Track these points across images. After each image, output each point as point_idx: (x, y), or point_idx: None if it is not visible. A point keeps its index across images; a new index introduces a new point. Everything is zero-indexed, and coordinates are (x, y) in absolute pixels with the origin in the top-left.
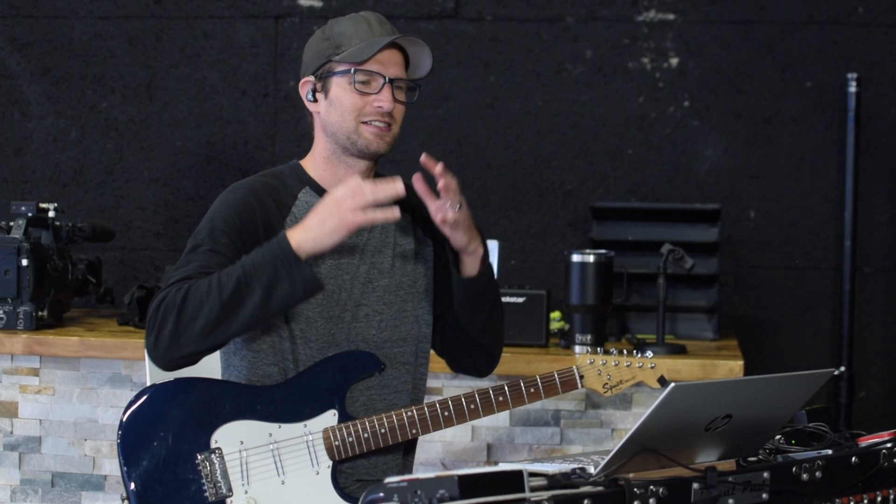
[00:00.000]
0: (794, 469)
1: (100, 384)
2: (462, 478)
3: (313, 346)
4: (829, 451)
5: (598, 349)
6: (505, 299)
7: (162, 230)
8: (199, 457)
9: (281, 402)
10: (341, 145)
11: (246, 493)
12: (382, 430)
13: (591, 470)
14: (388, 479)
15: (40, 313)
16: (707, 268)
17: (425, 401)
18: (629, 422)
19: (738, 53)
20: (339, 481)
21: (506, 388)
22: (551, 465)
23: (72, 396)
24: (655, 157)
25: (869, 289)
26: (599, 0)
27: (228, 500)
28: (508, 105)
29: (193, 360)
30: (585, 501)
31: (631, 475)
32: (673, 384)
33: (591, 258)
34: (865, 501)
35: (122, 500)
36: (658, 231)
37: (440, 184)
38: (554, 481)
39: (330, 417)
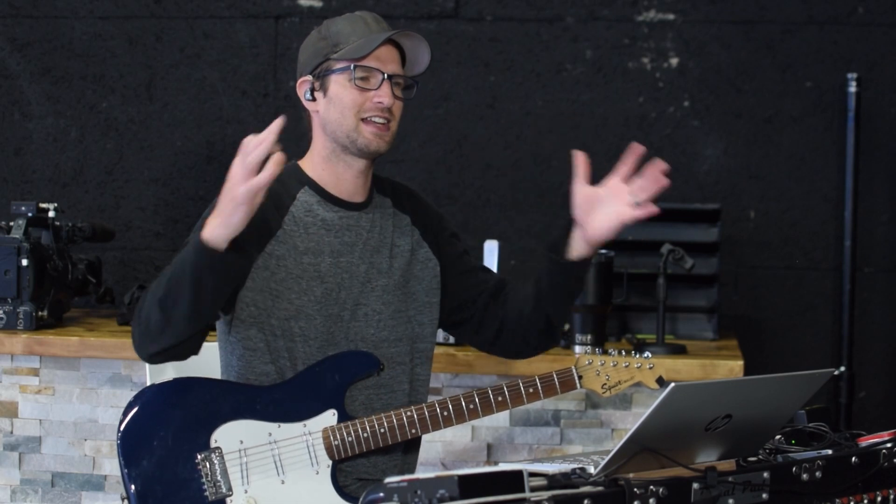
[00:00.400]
0: (794, 469)
1: (100, 384)
2: (462, 478)
3: (312, 343)
4: (829, 451)
5: (598, 350)
6: None
7: (162, 230)
8: (198, 456)
9: (280, 402)
10: (340, 144)
11: (246, 492)
12: (382, 430)
13: (591, 470)
14: (388, 479)
15: (40, 313)
16: (707, 268)
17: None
18: (629, 422)
19: (738, 53)
20: (339, 481)
21: (505, 388)
22: (551, 465)
23: (72, 396)
24: (655, 157)
25: (869, 289)
26: (599, 0)
27: (228, 500)
28: (508, 105)
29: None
30: (585, 501)
31: (631, 475)
32: (673, 384)
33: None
34: (865, 501)
35: (122, 500)
36: (658, 231)
37: (656, 177)
38: (554, 481)
39: (329, 417)
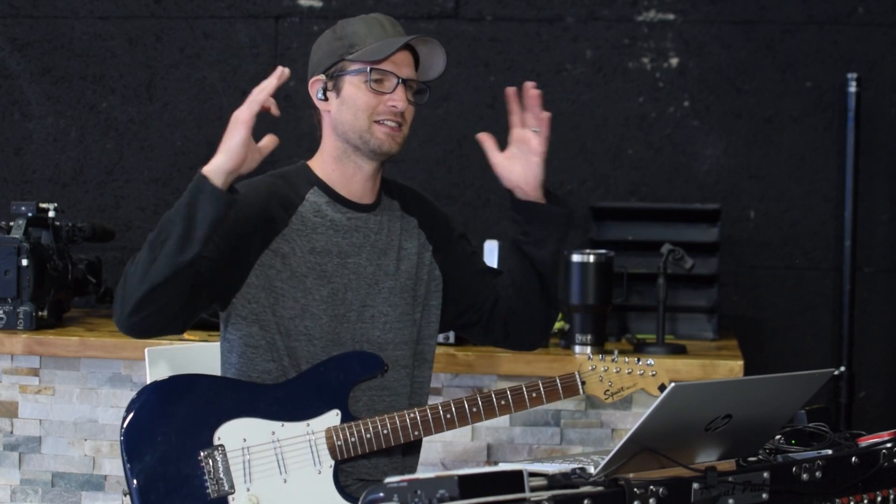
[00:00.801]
0: (794, 469)
1: (100, 384)
2: (462, 478)
3: (317, 343)
4: (829, 451)
5: (601, 356)
6: None
7: None
8: (201, 454)
9: (284, 401)
10: (352, 144)
11: (248, 490)
12: (385, 431)
13: (591, 470)
14: (388, 479)
15: (40, 313)
16: (707, 268)
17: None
18: (629, 422)
19: (738, 53)
20: (341, 481)
21: (508, 392)
22: (551, 465)
23: (72, 396)
24: (655, 157)
25: (869, 289)
26: (599, 0)
27: (230, 498)
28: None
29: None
30: (585, 501)
31: (631, 475)
32: (673, 384)
33: (591, 258)
34: (865, 501)
35: (125, 496)
36: (658, 231)
37: (532, 94)
38: (554, 481)
39: (333, 417)
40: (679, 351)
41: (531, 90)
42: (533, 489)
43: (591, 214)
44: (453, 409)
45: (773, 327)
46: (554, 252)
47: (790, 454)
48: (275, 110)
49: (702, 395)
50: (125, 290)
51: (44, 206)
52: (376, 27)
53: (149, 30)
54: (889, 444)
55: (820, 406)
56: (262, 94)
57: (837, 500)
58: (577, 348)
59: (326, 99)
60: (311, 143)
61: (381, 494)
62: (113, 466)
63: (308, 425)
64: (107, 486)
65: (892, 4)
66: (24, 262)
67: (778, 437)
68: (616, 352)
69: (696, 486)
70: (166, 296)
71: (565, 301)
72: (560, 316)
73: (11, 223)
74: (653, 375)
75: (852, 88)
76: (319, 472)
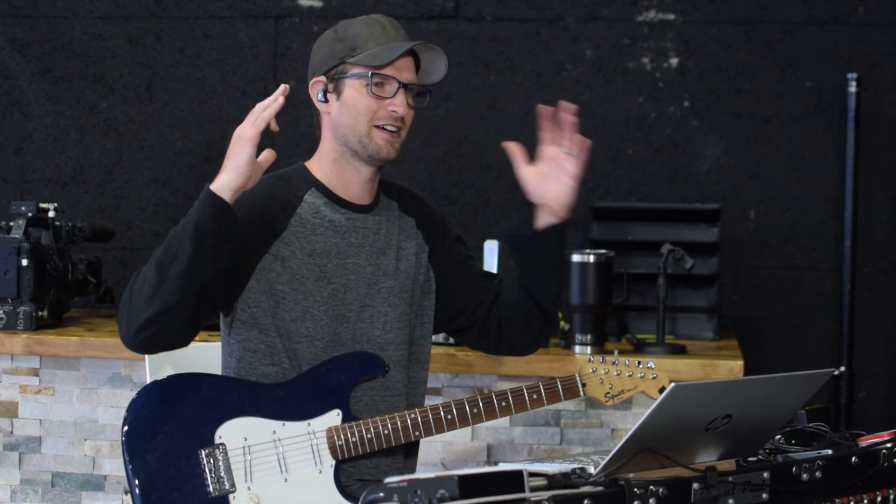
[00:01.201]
0: (794, 469)
1: (100, 384)
2: (462, 478)
3: (318, 344)
4: (829, 451)
5: (601, 358)
6: None
7: (162, 230)
8: (202, 452)
9: (285, 401)
10: (351, 148)
11: (249, 489)
12: (385, 432)
13: (591, 470)
14: (388, 479)
15: (40, 313)
16: (707, 268)
17: (427, 402)
18: (629, 422)
19: (738, 53)
20: (342, 481)
21: (508, 393)
22: (551, 465)
23: (72, 396)
24: (655, 157)
25: (869, 289)
26: (599, 0)
27: (231, 496)
28: (508, 105)
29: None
30: (585, 501)
31: (631, 475)
32: (673, 384)
33: (591, 258)
34: (865, 501)
35: (126, 494)
36: (658, 231)
37: (568, 119)
38: (554, 481)
39: (334, 417)
40: (679, 351)
41: (568, 115)
42: (533, 489)
43: (591, 214)
44: (454, 409)
45: (773, 327)
46: (559, 283)
47: (790, 454)
48: (274, 126)
49: (702, 395)
50: (131, 307)
51: (44, 206)
52: (378, 30)
53: (149, 30)
54: (889, 444)
55: (820, 406)
56: (268, 111)
57: (837, 500)
58: (577, 348)
59: (327, 101)
60: (311, 143)
61: (381, 494)
62: (113, 466)
63: (309, 425)
64: (107, 486)
65: (892, 4)
66: (24, 262)
67: (778, 437)
68: (616, 352)
69: (696, 486)
70: (175, 316)
71: (565, 301)
72: (560, 316)
73: (11, 223)
74: (653, 378)
75: (852, 88)
76: (320, 472)
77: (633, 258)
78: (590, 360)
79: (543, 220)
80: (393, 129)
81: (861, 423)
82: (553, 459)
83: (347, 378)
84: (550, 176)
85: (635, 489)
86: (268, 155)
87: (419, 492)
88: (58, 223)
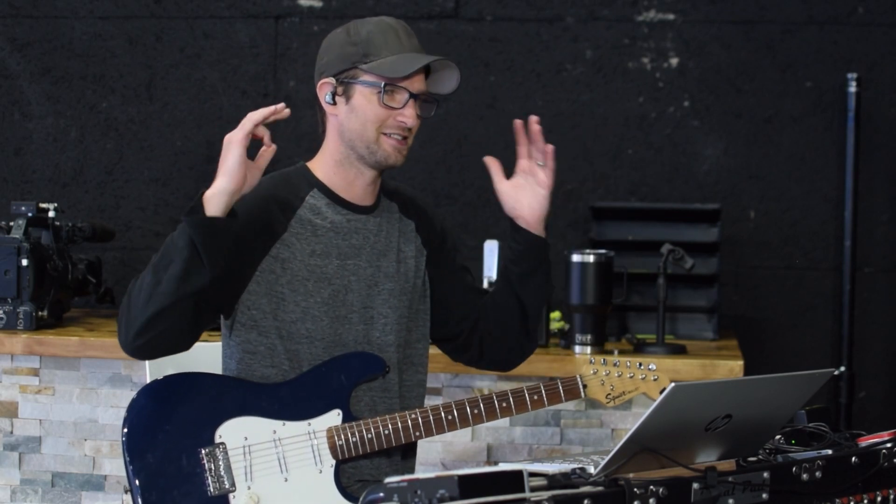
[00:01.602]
0: (794, 469)
1: (100, 384)
2: (462, 478)
3: (318, 345)
4: (829, 451)
5: (602, 359)
6: None
7: (162, 230)
8: (203, 452)
9: (286, 400)
10: (357, 153)
11: (249, 488)
12: (386, 432)
13: (591, 470)
14: (388, 479)
15: (40, 313)
16: (707, 268)
17: (427, 403)
18: (629, 422)
19: (738, 53)
20: (342, 481)
21: (509, 395)
22: (551, 465)
23: (72, 396)
24: (655, 157)
25: (869, 289)
26: (599, 0)
27: (231, 496)
28: (508, 105)
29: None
30: (585, 501)
31: (631, 475)
32: (673, 384)
33: (591, 258)
34: (865, 501)
35: (126, 493)
36: (658, 231)
37: (535, 129)
38: (554, 481)
39: (334, 417)
40: (679, 351)
41: (534, 125)
42: (533, 489)
43: (591, 214)
44: (454, 410)
45: (773, 327)
46: (541, 286)
47: (790, 454)
48: (267, 141)
49: (702, 395)
50: (129, 312)
51: (44, 206)
52: (392, 37)
53: (149, 30)
54: (889, 444)
55: (820, 406)
56: (256, 114)
57: (837, 500)
58: (577, 348)
59: (335, 103)
60: (311, 143)
61: (381, 494)
62: (113, 466)
63: (309, 425)
64: (107, 486)
65: (892, 4)
66: (24, 262)
67: (778, 437)
68: (616, 352)
69: (696, 486)
70: (171, 319)
71: (565, 301)
72: (560, 316)
73: (11, 223)
74: (654, 380)
75: (852, 88)
76: (320, 472)
77: (633, 258)
78: (591, 362)
79: (525, 230)
80: (400, 137)
81: (861, 423)
82: (553, 459)
83: (348, 378)
84: (525, 188)
85: (635, 489)
86: (266, 153)
87: (419, 492)
88: (58, 223)
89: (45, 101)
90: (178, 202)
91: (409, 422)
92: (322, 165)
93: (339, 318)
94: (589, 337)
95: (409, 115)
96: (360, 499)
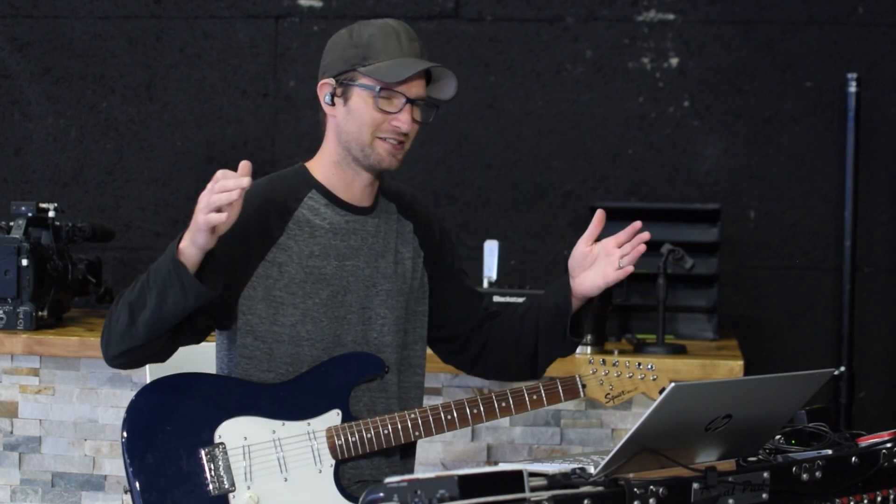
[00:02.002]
0: (794, 469)
1: (100, 384)
2: (462, 478)
3: (318, 346)
4: (829, 451)
5: (602, 359)
6: (505, 299)
7: (162, 230)
8: (202, 451)
9: (285, 400)
10: (353, 155)
11: (248, 488)
12: (385, 432)
13: (591, 470)
14: (388, 479)
15: (40, 313)
16: (707, 268)
17: (426, 403)
18: (629, 422)
19: (738, 53)
20: (342, 482)
21: (509, 394)
22: (551, 465)
23: (72, 396)
24: (655, 157)
25: (869, 289)
26: (599, 0)
27: (231, 496)
28: (508, 105)
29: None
30: (585, 501)
31: (631, 475)
32: (673, 384)
33: None
34: (865, 501)
35: (125, 493)
36: (658, 231)
37: (639, 236)
38: (554, 481)
39: (334, 417)
40: (679, 351)
41: (642, 243)
42: (533, 489)
43: (590, 214)
44: (454, 410)
45: (773, 327)
46: (559, 347)
47: (790, 454)
48: (218, 217)
49: (702, 395)
50: (109, 336)
51: (44, 206)
52: (392, 41)
53: (149, 30)
54: (889, 444)
55: (820, 406)
56: (220, 199)
57: (837, 500)
58: (577, 348)
59: (334, 104)
60: (311, 143)
61: (381, 494)
62: (113, 466)
63: (309, 424)
64: (107, 486)
65: (892, 4)
66: (24, 262)
67: (778, 437)
68: (616, 352)
69: (696, 486)
70: (146, 351)
71: None
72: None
73: (11, 223)
74: (654, 380)
75: (852, 88)
76: (320, 472)
77: None
78: (590, 361)
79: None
80: (395, 141)
81: (861, 423)
82: (553, 459)
83: (347, 378)
84: (596, 264)
85: (635, 489)
86: (242, 172)
87: (419, 492)
88: (58, 223)
89: (45, 101)
90: (178, 202)
91: (409, 422)
92: (321, 166)
93: (339, 318)
94: (589, 337)
95: (404, 121)
96: (360, 499)
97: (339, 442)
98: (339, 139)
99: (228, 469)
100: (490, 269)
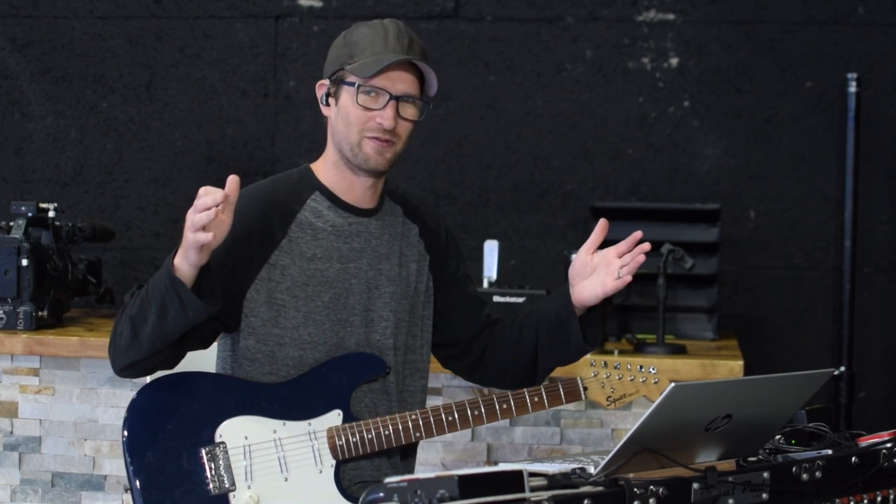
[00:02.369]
0: (794, 469)
1: (100, 384)
2: (462, 478)
3: (321, 349)
4: (829, 451)
5: (603, 362)
6: (505, 299)
7: (162, 230)
8: (203, 451)
9: (286, 400)
10: (345, 155)
11: (249, 488)
12: (387, 433)
13: (591, 470)
14: (388, 479)
15: (40, 313)
16: (707, 268)
17: (427, 403)
18: (629, 422)
19: (738, 53)
20: (342, 482)
21: (510, 396)
22: (551, 465)
23: (72, 396)
24: (655, 157)
25: (869, 289)
26: (599, 0)
27: (231, 495)
28: (508, 105)
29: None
30: (585, 501)
31: (631, 475)
32: (673, 384)
33: None
34: (865, 501)
35: (126, 491)
36: (658, 231)
37: (639, 247)
38: (554, 481)
39: (335, 417)
40: (679, 351)
41: (642, 255)
42: (533, 489)
43: (591, 214)
44: (455, 411)
45: (773, 327)
46: (560, 355)
47: (790, 454)
48: (206, 236)
49: (702, 395)
50: (115, 347)
51: (44, 206)
52: (379, 38)
53: (149, 30)
54: (889, 444)
55: (820, 406)
56: (202, 217)
57: (837, 500)
58: (584, 355)
59: (329, 105)
60: (311, 143)
61: (381, 494)
62: (113, 466)
63: (310, 425)
64: (107, 486)
65: (892, 4)
66: (24, 262)
67: (778, 437)
68: (616, 352)
69: (696, 486)
70: (152, 362)
71: None
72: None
73: (11, 223)
74: (655, 383)
75: (852, 88)
76: (320, 472)
77: None
78: (592, 364)
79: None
80: (382, 139)
81: (861, 423)
82: (553, 459)
83: (349, 379)
84: (594, 274)
85: (635, 489)
86: (230, 188)
87: (419, 492)
88: (58, 223)
89: (45, 101)
90: (178, 202)
91: (410, 423)
92: (324, 168)
93: (341, 321)
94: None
95: (386, 117)
96: (360, 499)
97: (340, 442)
98: (333, 139)
99: (229, 468)
100: (490, 269)
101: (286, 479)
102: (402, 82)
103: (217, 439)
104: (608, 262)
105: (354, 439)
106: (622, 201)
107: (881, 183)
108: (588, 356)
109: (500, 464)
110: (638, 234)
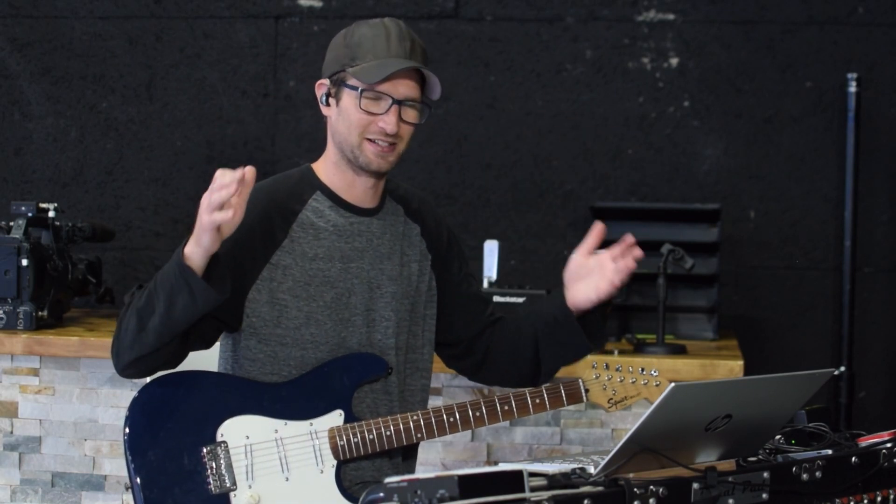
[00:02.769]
0: (794, 469)
1: (100, 384)
2: (462, 478)
3: (323, 349)
4: (829, 451)
5: (605, 364)
6: (505, 299)
7: (162, 230)
8: (204, 450)
9: (288, 400)
10: (346, 156)
11: (250, 487)
12: (388, 433)
13: (591, 470)
14: (388, 479)
15: (40, 313)
16: (707, 268)
17: (428, 404)
18: (629, 422)
19: (738, 53)
20: (343, 482)
21: (511, 398)
22: (551, 465)
23: (72, 396)
24: (655, 157)
25: (869, 289)
26: (599, 0)
27: (232, 494)
28: (508, 105)
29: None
30: (585, 501)
31: (631, 475)
32: (673, 384)
33: None
34: (865, 501)
35: (126, 490)
36: (658, 231)
37: (632, 252)
38: (554, 481)
39: (336, 417)
40: (679, 351)
41: (632, 249)
42: (533, 489)
43: (591, 214)
44: (456, 412)
45: (773, 327)
46: (560, 356)
47: (790, 454)
48: (223, 214)
49: (702, 395)
50: (119, 344)
51: (44, 206)
52: (381, 41)
53: (149, 30)
54: (889, 444)
55: (820, 406)
56: (220, 196)
57: (837, 500)
58: (588, 354)
59: (329, 105)
60: (311, 143)
61: (381, 494)
62: (113, 466)
63: (311, 424)
64: (107, 486)
65: (892, 4)
66: (24, 262)
67: (778, 437)
68: (616, 352)
69: (696, 486)
70: (157, 358)
71: None
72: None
73: (11, 223)
74: (657, 385)
75: (852, 88)
76: (321, 472)
77: None
78: (593, 366)
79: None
80: (384, 143)
81: (861, 423)
82: (553, 459)
83: (350, 379)
84: (590, 276)
85: (635, 489)
86: (248, 176)
87: (419, 492)
88: (58, 223)
89: (45, 101)
90: (178, 202)
91: (411, 423)
92: (325, 167)
93: (343, 321)
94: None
95: (389, 122)
96: (361, 499)
97: (342, 442)
98: (334, 140)
99: (230, 467)
100: (490, 269)
101: (287, 479)
102: (404, 86)
103: (218, 438)
104: (602, 266)
105: (356, 439)
106: (622, 201)
107: (881, 183)
108: (590, 357)
109: (501, 464)
110: (631, 239)
